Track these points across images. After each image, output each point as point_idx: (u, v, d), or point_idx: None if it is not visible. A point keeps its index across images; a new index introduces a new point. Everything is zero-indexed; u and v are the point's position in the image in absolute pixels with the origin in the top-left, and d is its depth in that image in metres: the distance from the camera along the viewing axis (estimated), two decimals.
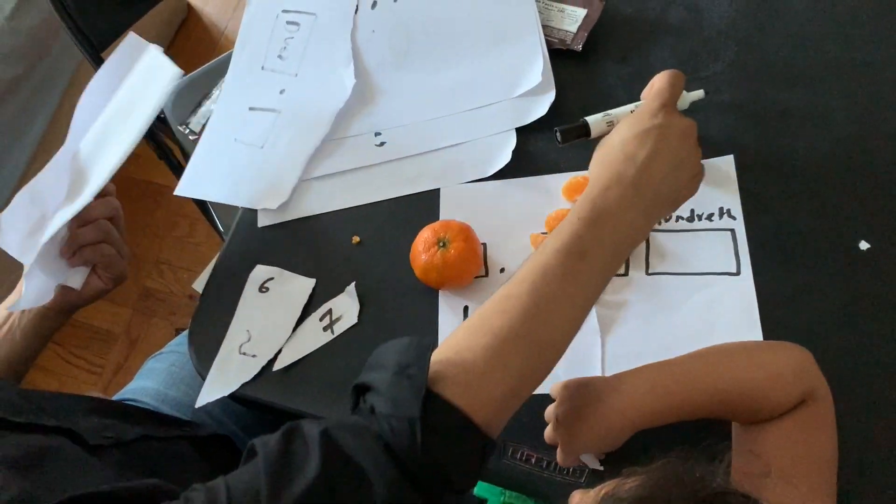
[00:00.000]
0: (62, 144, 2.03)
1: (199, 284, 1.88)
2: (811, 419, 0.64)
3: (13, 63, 1.70)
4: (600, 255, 0.63)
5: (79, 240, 0.84)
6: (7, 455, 0.62)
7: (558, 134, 0.76)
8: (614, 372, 0.69)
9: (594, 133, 0.76)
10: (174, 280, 1.90)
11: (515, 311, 0.60)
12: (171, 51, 2.19)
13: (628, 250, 0.67)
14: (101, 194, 0.85)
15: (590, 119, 0.76)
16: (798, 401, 0.64)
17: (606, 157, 0.68)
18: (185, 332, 1.14)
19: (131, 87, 0.87)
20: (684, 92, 0.76)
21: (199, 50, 2.19)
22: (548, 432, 0.69)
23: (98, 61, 1.31)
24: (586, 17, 0.92)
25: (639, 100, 0.76)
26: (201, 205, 1.42)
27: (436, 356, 0.58)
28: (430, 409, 0.55)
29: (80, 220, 0.83)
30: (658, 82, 0.71)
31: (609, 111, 0.77)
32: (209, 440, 0.89)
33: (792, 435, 0.64)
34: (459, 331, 0.62)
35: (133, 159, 2.09)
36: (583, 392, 0.67)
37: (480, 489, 0.91)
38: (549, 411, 0.69)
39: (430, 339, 0.61)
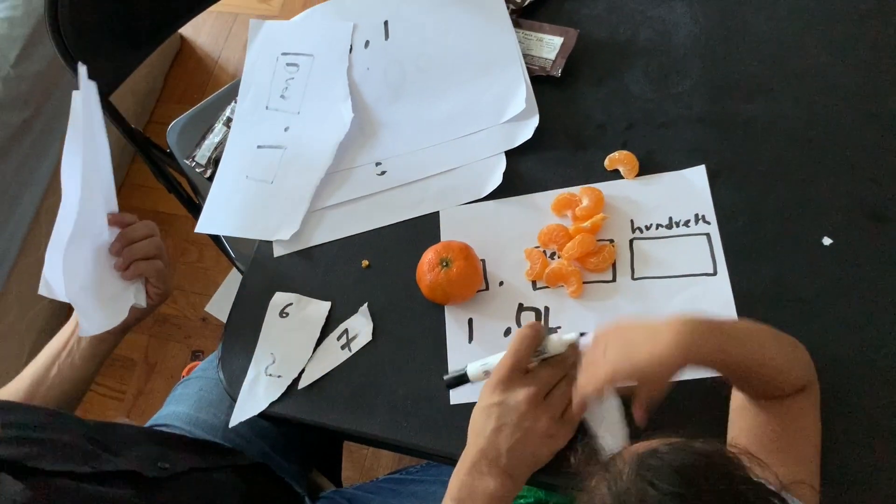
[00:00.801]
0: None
1: (211, 307, 1.96)
2: (812, 403, 0.71)
3: (20, 108, 1.76)
4: None
5: (133, 254, 0.88)
6: None
7: (445, 383, 0.81)
8: None
9: (473, 379, 0.79)
10: (187, 304, 1.96)
11: None
12: (168, 83, 2.29)
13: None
14: (124, 223, 0.89)
15: (469, 368, 0.79)
16: (803, 385, 0.70)
17: (471, 427, 0.76)
18: (209, 358, 1.22)
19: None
20: (554, 337, 0.75)
21: (195, 81, 2.25)
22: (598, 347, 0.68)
23: (105, 103, 1.37)
24: (563, 44, 0.97)
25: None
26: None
27: None
28: None
29: (128, 240, 0.88)
30: (509, 347, 0.75)
31: (486, 360, 0.78)
32: (249, 468, 0.93)
33: (807, 415, 0.70)
34: None
35: (140, 191, 2.18)
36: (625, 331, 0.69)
37: None
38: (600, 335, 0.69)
39: None
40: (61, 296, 0.83)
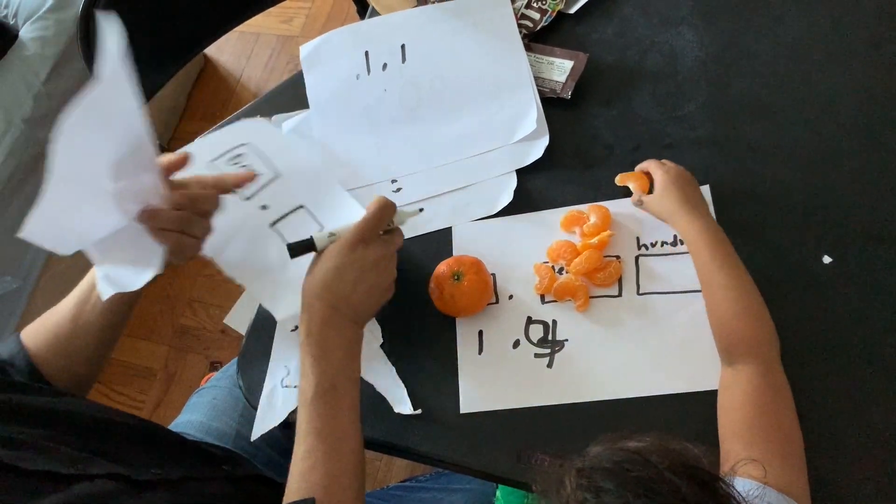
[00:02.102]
0: None
1: (229, 319, 2.00)
2: (769, 387, 0.72)
3: (50, 124, 1.80)
4: (343, 374, 0.79)
5: (161, 221, 0.83)
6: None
7: (288, 250, 0.84)
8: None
9: (319, 246, 0.83)
10: (206, 317, 2.00)
11: (325, 455, 0.75)
12: (192, 100, 2.35)
13: (359, 353, 0.82)
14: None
15: (315, 236, 0.83)
16: (753, 347, 0.74)
17: (311, 289, 0.81)
18: (224, 368, 1.25)
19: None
20: (402, 210, 0.86)
21: (217, 98, 2.31)
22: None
23: None
24: (573, 67, 1.01)
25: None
26: None
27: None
28: None
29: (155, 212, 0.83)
30: (368, 211, 0.82)
31: (334, 230, 0.84)
32: (246, 479, 0.94)
33: (782, 407, 0.72)
34: (304, 475, 0.75)
35: None
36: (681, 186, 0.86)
37: (505, 493, 1.00)
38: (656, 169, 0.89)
39: (309, 499, 0.73)
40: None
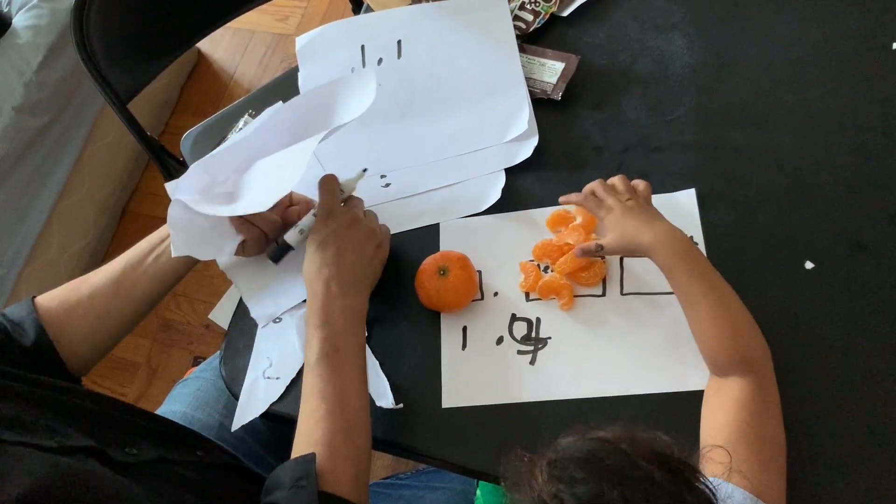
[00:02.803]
0: (85, 189, 2.15)
1: (214, 315, 2.00)
2: (773, 403, 0.73)
3: (40, 113, 1.81)
4: (345, 338, 0.83)
5: (256, 218, 0.94)
6: (44, 475, 0.67)
7: (270, 259, 0.94)
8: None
9: (295, 245, 0.93)
10: (191, 311, 2.00)
11: (329, 413, 0.78)
12: (184, 95, 2.35)
13: (363, 320, 0.87)
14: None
15: (287, 236, 0.92)
16: (743, 365, 0.74)
17: (308, 275, 0.86)
18: (209, 360, 1.25)
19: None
20: (346, 179, 0.93)
21: (210, 94, 2.31)
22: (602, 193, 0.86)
23: (123, 111, 1.41)
24: (564, 69, 1.02)
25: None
26: None
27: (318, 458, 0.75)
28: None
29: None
30: (319, 195, 0.90)
31: (299, 223, 0.92)
32: (220, 467, 0.93)
33: (770, 418, 0.72)
34: (308, 433, 0.78)
35: (151, 198, 2.22)
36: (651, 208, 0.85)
37: (485, 492, 1.00)
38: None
39: (311, 454, 0.75)
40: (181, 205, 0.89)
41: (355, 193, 0.96)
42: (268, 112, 0.93)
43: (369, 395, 0.85)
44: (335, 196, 0.91)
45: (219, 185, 0.93)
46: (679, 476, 0.56)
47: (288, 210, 0.98)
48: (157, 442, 0.85)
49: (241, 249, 0.98)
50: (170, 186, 0.93)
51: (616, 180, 0.88)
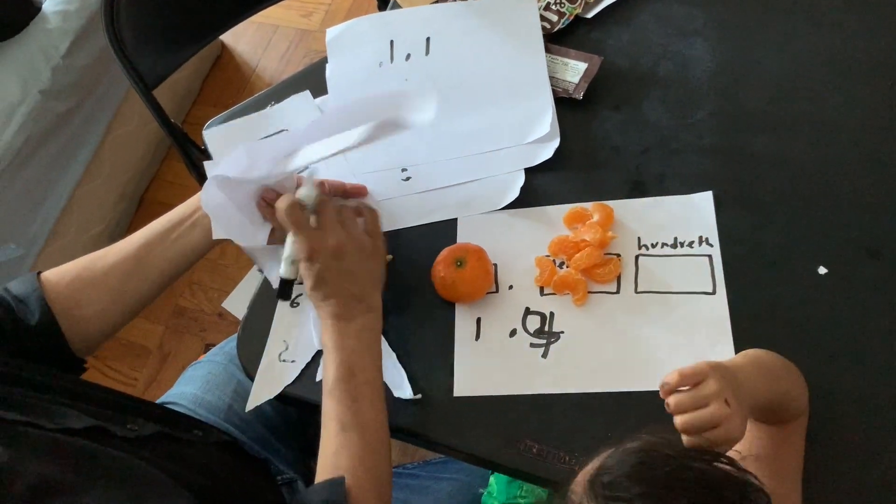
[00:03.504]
0: (105, 175, 2.17)
1: (228, 303, 2.02)
2: (803, 425, 0.75)
3: (66, 98, 1.84)
4: (360, 360, 0.83)
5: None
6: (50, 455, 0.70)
7: (281, 300, 0.93)
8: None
9: (291, 276, 0.89)
10: (205, 299, 2.02)
11: (348, 440, 0.79)
12: (206, 86, 2.37)
13: (377, 335, 0.87)
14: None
15: (281, 273, 0.89)
16: (804, 411, 0.74)
17: (316, 307, 0.87)
18: (221, 344, 1.27)
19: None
20: (301, 190, 0.88)
21: (231, 86, 2.33)
22: (712, 412, 0.61)
23: (149, 97, 1.43)
24: (587, 69, 1.03)
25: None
26: None
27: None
28: None
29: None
30: (290, 232, 0.86)
31: (283, 255, 0.89)
32: (217, 445, 0.95)
33: (798, 437, 0.74)
34: (331, 458, 0.80)
35: (171, 187, 2.24)
36: (728, 373, 0.65)
37: (500, 484, 1.01)
38: (700, 394, 0.62)
39: (340, 478, 0.77)
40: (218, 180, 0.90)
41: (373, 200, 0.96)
42: (315, 108, 0.91)
43: (387, 386, 0.87)
44: (303, 226, 0.85)
45: (256, 170, 0.92)
46: (726, 471, 0.57)
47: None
48: (154, 421, 0.86)
49: (273, 238, 0.97)
50: (209, 164, 0.94)
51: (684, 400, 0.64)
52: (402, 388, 0.89)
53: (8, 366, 0.80)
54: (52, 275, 0.92)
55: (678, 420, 0.62)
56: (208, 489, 0.80)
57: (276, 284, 0.96)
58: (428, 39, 1.11)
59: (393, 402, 0.88)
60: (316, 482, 0.79)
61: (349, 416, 0.80)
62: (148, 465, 0.75)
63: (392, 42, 1.11)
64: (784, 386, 0.72)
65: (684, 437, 0.61)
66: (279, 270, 0.89)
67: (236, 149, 0.90)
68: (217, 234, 0.92)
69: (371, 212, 0.93)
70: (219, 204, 0.90)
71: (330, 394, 0.82)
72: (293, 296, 0.98)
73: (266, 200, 0.92)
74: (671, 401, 0.62)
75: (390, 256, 0.98)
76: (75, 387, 0.83)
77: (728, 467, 0.58)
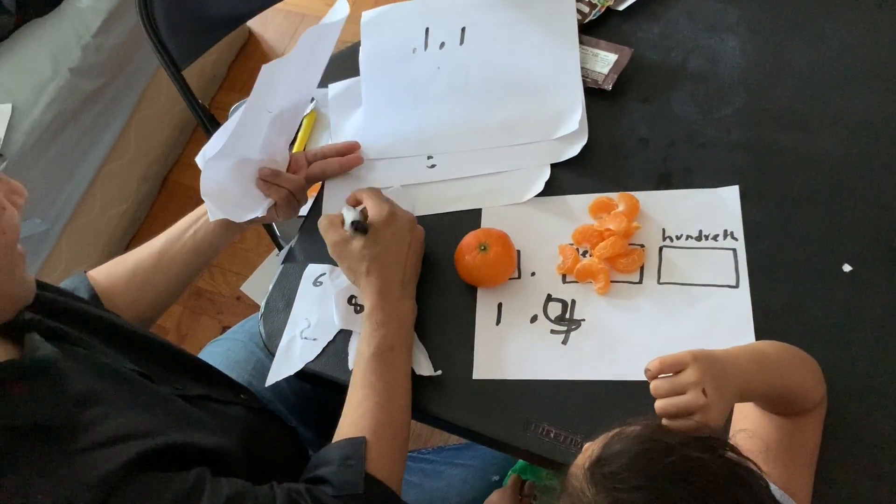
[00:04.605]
0: (130, 154, 2.19)
1: (246, 287, 2.03)
2: (818, 419, 0.75)
3: (95, 77, 1.86)
4: (400, 339, 0.88)
5: (278, 181, 1.00)
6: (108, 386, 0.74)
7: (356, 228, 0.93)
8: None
9: (363, 220, 0.93)
10: (223, 282, 2.03)
11: (377, 405, 0.83)
12: (232, 72, 2.38)
13: (412, 322, 0.91)
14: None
15: (354, 217, 0.93)
16: (819, 403, 0.74)
17: (374, 273, 0.90)
18: (241, 323, 1.28)
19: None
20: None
21: (256, 73, 2.33)
22: (688, 400, 0.62)
23: (178, 77, 1.45)
24: (617, 61, 1.03)
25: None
26: None
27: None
28: (368, 486, 0.78)
29: (280, 175, 1.01)
30: (373, 196, 0.96)
31: (350, 211, 0.94)
32: (262, 412, 0.99)
33: (813, 429, 0.74)
34: (356, 420, 0.83)
35: (193, 169, 2.26)
36: (713, 363, 0.65)
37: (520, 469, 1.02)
38: (678, 382, 0.63)
39: (361, 437, 0.81)
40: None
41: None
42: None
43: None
44: (379, 201, 0.95)
45: (245, 149, 0.98)
46: (727, 458, 0.57)
47: (310, 170, 1.05)
48: (200, 381, 0.88)
49: (274, 214, 1.02)
50: (199, 159, 0.98)
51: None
52: (424, 366, 0.90)
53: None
54: (93, 272, 1.02)
55: (656, 404, 0.64)
56: (243, 446, 0.82)
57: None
58: (463, 29, 1.11)
59: (412, 382, 0.89)
60: (336, 439, 0.82)
61: (381, 385, 0.84)
62: (190, 406, 0.81)
63: (427, 29, 1.12)
64: (793, 378, 0.72)
65: (664, 420, 0.63)
66: (348, 218, 0.93)
67: (214, 134, 0.95)
68: (214, 216, 0.99)
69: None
70: (215, 189, 0.97)
71: (368, 361, 0.85)
72: (318, 275, 1.00)
73: (263, 178, 1.00)
74: (651, 386, 0.65)
75: None
76: (127, 334, 0.88)
77: (730, 454, 0.58)
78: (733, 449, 0.58)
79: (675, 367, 0.65)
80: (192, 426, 0.78)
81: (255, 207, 1.00)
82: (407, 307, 0.91)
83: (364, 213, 0.94)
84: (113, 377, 0.76)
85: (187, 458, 0.72)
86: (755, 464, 0.58)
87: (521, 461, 1.04)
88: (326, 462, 0.80)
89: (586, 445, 0.62)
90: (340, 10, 1.00)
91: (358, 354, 0.88)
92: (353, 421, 0.83)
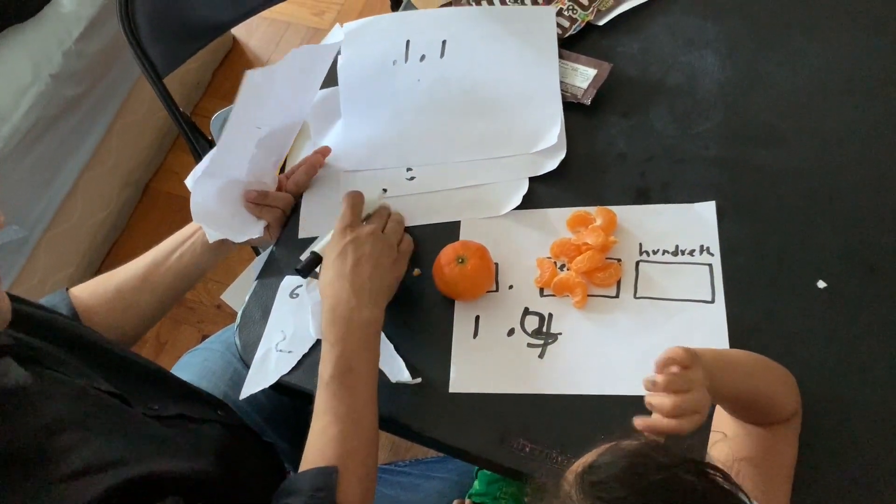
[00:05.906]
0: (111, 161, 2.16)
1: (226, 296, 2.01)
2: (794, 431, 0.75)
3: (76, 83, 1.84)
4: (359, 356, 0.84)
5: (268, 201, 1.02)
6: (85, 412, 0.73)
7: (299, 274, 0.95)
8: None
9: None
10: (204, 290, 2.01)
11: (341, 433, 0.80)
12: (215, 79, 2.37)
13: (377, 335, 0.87)
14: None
15: (317, 248, 0.94)
16: (791, 415, 0.75)
17: (325, 285, 0.88)
18: (218, 333, 1.27)
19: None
20: (369, 198, 0.97)
21: (240, 80, 2.34)
22: (697, 398, 0.62)
23: (159, 85, 1.44)
24: (596, 75, 1.04)
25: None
26: None
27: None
28: None
29: (269, 195, 1.03)
30: (343, 207, 0.94)
31: (321, 240, 0.95)
32: (238, 429, 0.98)
33: (789, 441, 0.74)
34: (321, 450, 0.80)
35: (175, 177, 2.25)
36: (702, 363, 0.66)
37: (482, 483, 1.01)
38: (688, 378, 0.63)
39: (332, 467, 0.78)
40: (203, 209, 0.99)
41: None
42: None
43: (383, 373, 0.88)
44: (356, 210, 0.94)
45: (232, 169, 0.99)
46: (717, 484, 0.57)
47: (286, 187, 1.06)
48: (177, 400, 0.87)
49: (267, 233, 1.03)
50: (188, 181, 0.98)
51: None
52: (401, 373, 0.89)
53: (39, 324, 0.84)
54: (75, 289, 1.01)
55: (668, 401, 0.62)
56: (219, 466, 0.82)
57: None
58: (444, 42, 1.11)
59: (388, 394, 0.89)
60: (302, 469, 0.80)
61: (344, 411, 0.81)
62: (166, 428, 0.80)
63: (408, 42, 1.12)
64: (759, 382, 0.72)
65: (657, 418, 0.62)
66: (311, 247, 0.94)
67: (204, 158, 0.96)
68: (212, 238, 0.99)
69: (408, 237, 0.98)
70: (207, 211, 0.98)
71: (326, 386, 0.82)
72: (294, 288, 0.99)
73: (250, 200, 1.00)
74: (661, 379, 0.63)
75: (418, 271, 0.98)
76: (105, 352, 0.87)
77: (721, 481, 0.58)
78: (727, 477, 0.58)
79: (685, 361, 0.64)
80: (166, 452, 0.76)
81: (248, 229, 1.01)
82: (369, 317, 0.85)
83: (313, 255, 0.94)
84: (87, 401, 0.74)
85: (161, 488, 0.70)
86: (746, 495, 0.58)
87: (477, 485, 1.03)
88: (296, 491, 0.78)
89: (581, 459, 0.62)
90: (336, 34, 1.00)
91: (319, 377, 0.84)
92: (318, 449, 0.80)
